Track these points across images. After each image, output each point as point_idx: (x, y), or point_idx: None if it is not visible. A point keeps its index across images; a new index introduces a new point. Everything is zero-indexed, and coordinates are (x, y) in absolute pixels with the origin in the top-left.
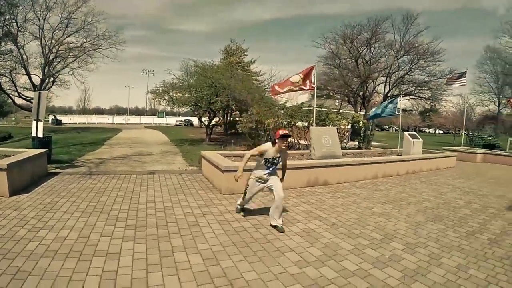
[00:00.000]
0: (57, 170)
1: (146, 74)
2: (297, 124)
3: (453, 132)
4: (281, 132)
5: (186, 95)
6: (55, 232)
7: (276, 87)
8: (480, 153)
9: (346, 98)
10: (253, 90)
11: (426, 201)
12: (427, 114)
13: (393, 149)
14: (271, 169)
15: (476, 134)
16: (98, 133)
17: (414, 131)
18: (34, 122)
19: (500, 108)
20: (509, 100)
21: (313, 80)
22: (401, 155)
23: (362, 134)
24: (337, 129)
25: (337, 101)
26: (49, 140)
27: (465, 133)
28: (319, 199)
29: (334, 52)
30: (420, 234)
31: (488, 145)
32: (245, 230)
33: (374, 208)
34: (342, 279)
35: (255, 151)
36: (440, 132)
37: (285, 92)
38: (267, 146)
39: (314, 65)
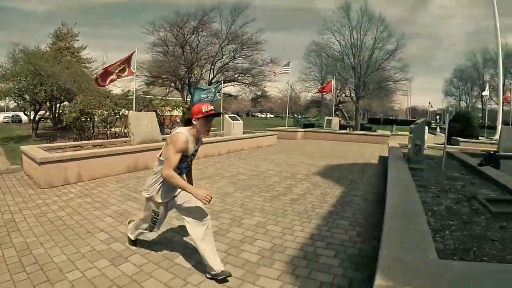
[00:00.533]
0: None
1: None
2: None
3: (282, 116)
4: (204, 108)
5: (8, 85)
6: None
7: (99, 80)
8: (301, 131)
9: (174, 85)
10: (80, 77)
11: (240, 174)
12: (258, 100)
13: (217, 132)
14: (185, 171)
15: (302, 116)
16: None
17: (247, 116)
18: None
19: (324, 94)
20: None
21: (132, 66)
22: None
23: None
24: (163, 115)
25: (168, 88)
26: None
27: (290, 116)
28: (137, 182)
29: (162, 39)
30: (227, 202)
31: (309, 124)
32: (59, 219)
33: None
34: (146, 252)
35: (175, 151)
36: (272, 116)
37: (108, 84)
38: (184, 134)
39: (135, 51)
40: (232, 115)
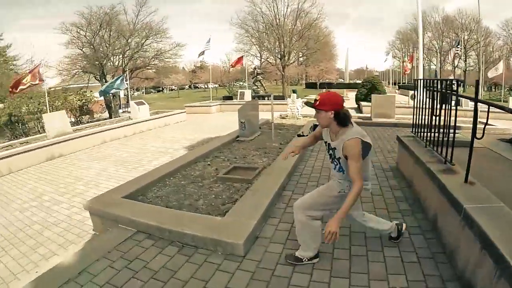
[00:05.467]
0: None
1: None
2: None
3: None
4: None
5: None
6: None
7: (10, 89)
8: (215, 105)
9: (93, 75)
10: (7, 81)
11: (125, 153)
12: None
13: (130, 115)
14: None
15: (236, 85)
16: None
17: (189, 88)
18: None
19: (262, 62)
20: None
21: (41, 75)
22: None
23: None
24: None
25: (88, 79)
26: None
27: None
28: (51, 167)
29: (75, 37)
30: (101, 174)
31: (228, 97)
32: None
33: (83, 165)
34: (40, 205)
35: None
36: (215, 86)
37: (19, 92)
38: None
39: (40, 63)
40: (139, 100)
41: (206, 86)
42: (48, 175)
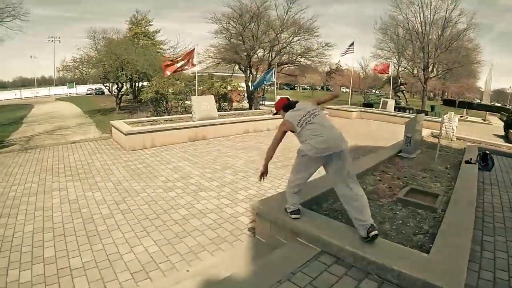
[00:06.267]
0: None
1: (52, 41)
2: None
3: (353, 91)
4: None
5: (94, 70)
6: (22, 185)
7: (167, 72)
8: (356, 111)
9: (238, 66)
10: (155, 62)
11: (266, 145)
12: (331, 74)
13: (272, 109)
14: None
15: (373, 92)
16: (10, 111)
17: (322, 89)
18: None
19: (400, 70)
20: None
21: (195, 59)
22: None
23: (251, 97)
24: (225, 93)
25: (233, 69)
26: None
27: (355, 92)
28: (194, 149)
29: (224, 27)
30: (248, 166)
31: (368, 104)
32: (138, 169)
33: (229, 153)
34: (185, 187)
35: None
36: (347, 90)
37: (171, 74)
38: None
39: (195, 48)
40: (285, 96)
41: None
42: (192, 157)
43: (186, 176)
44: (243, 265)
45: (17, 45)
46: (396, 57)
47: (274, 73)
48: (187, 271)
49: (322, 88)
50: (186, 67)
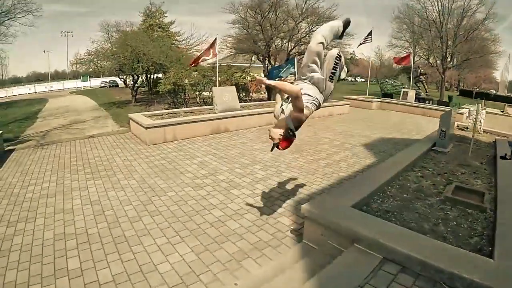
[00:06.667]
0: (10, 147)
1: (65, 36)
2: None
3: (371, 80)
4: None
5: (109, 62)
6: (39, 185)
7: (190, 64)
8: (376, 102)
9: (256, 56)
10: (171, 52)
11: (298, 139)
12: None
13: None
14: None
15: (389, 82)
16: (25, 106)
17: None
18: None
19: (416, 60)
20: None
21: (216, 50)
22: None
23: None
24: (245, 84)
25: (250, 59)
26: None
27: (371, 82)
28: (218, 142)
29: (242, 17)
30: (278, 160)
31: (387, 94)
32: (162, 165)
33: (255, 146)
34: (215, 184)
35: None
36: (362, 80)
37: (195, 65)
38: None
39: (216, 38)
40: None
41: (354, 79)
42: (217, 151)
43: (214, 172)
44: (300, 278)
45: (30, 40)
46: (412, 46)
47: (296, 63)
48: (236, 284)
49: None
50: (206, 57)
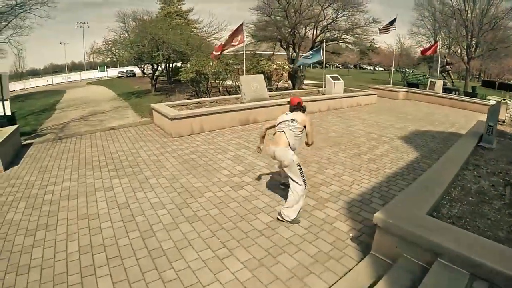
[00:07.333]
0: (27, 141)
1: (81, 27)
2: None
3: (390, 70)
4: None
5: (127, 51)
6: (59, 184)
7: (214, 53)
8: (402, 92)
9: (279, 43)
10: (191, 40)
11: (333, 131)
12: (366, 53)
13: (319, 89)
14: None
15: (409, 73)
16: (43, 98)
17: (355, 68)
18: None
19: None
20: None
21: (244, 36)
22: (325, 94)
23: (295, 76)
24: (270, 72)
25: (274, 47)
26: (14, 116)
27: (398, 70)
28: (248, 134)
29: (265, 2)
30: (317, 155)
31: (413, 84)
32: (192, 160)
33: None
34: (256, 183)
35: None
36: (381, 69)
37: (220, 54)
38: None
39: (242, 23)
40: (334, 75)
41: (374, 68)
42: (249, 143)
43: (251, 169)
44: None
45: (46, 33)
46: (434, 35)
47: (323, 51)
48: None
49: (355, 66)
50: (234, 43)
